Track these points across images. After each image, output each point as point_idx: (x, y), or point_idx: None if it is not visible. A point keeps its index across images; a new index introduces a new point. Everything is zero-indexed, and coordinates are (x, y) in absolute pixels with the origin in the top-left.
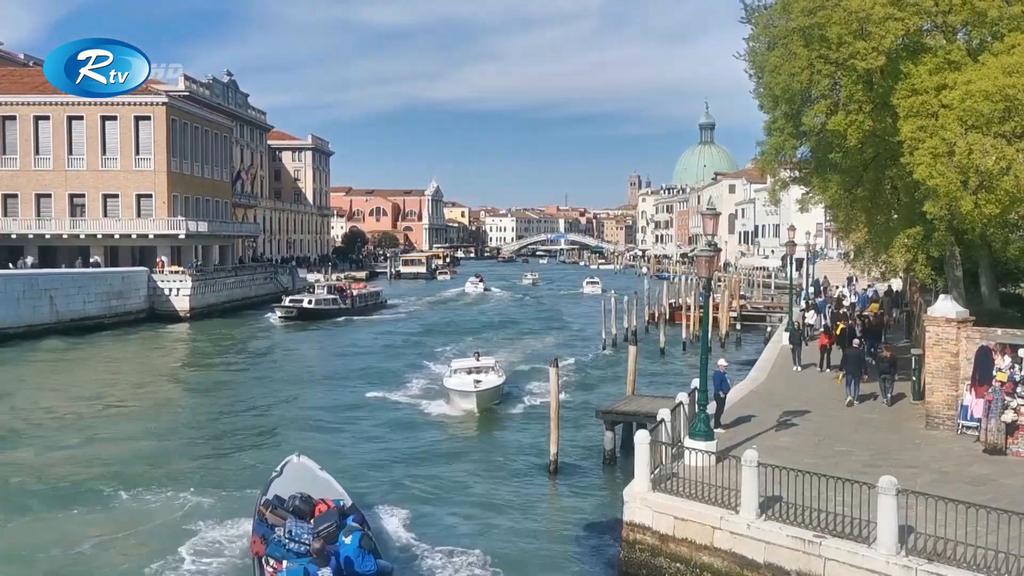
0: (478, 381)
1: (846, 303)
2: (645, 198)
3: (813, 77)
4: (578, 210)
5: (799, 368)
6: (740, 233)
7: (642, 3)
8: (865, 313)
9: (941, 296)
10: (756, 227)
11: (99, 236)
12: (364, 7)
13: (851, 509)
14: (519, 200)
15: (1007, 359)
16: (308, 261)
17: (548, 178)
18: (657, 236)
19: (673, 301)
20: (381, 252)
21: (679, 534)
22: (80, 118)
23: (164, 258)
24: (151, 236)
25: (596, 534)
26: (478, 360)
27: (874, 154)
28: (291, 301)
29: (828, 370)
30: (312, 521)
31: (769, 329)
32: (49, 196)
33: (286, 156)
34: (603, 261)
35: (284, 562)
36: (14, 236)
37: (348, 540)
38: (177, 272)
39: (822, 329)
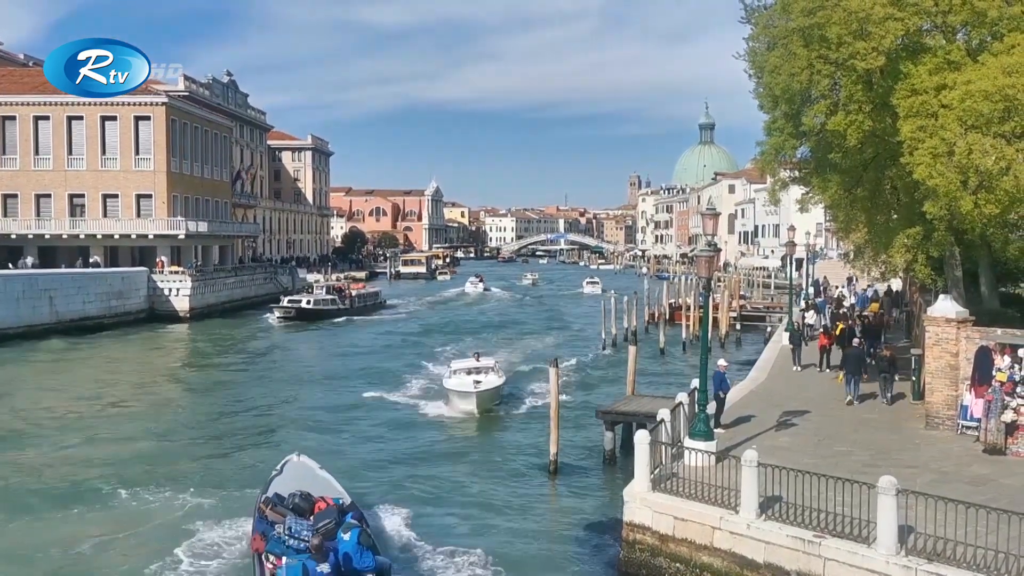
0: (478, 382)
1: (846, 303)
2: (645, 198)
3: (813, 77)
4: (578, 210)
5: (799, 368)
6: (740, 233)
7: (642, 3)
8: (865, 313)
9: (941, 296)
10: (756, 227)
11: (99, 236)
12: (364, 7)
13: (851, 509)
14: (519, 200)
15: (1007, 359)
16: (308, 261)
17: (548, 178)
18: (657, 236)
19: (673, 301)
20: (381, 252)
21: (679, 534)
22: (80, 118)
23: (164, 258)
24: (151, 236)
25: (596, 534)
26: (478, 361)
27: (874, 154)
28: (289, 301)
29: (828, 370)
30: (312, 518)
31: (769, 329)
32: (49, 196)
33: (286, 156)
34: (603, 261)
35: (284, 558)
36: (14, 236)
37: (347, 536)
38: (177, 272)
39: (821, 329)
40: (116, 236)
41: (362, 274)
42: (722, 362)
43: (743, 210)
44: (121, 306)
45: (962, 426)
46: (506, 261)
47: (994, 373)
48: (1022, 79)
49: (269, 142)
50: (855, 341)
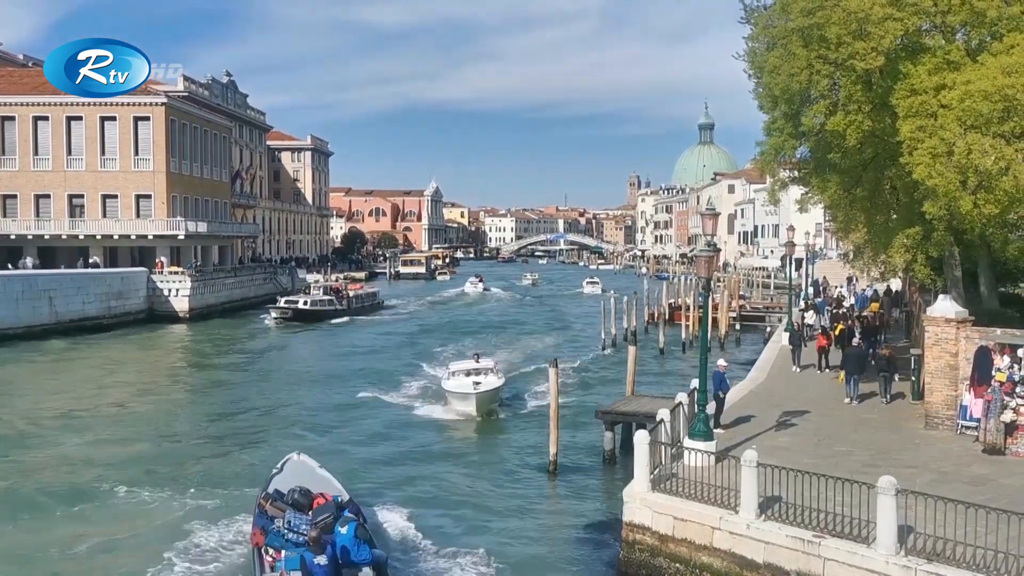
0: (477, 383)
1: (845, 303)
2: (644, 198)
3: (812, 77)
4: (577, 210)
5: (798, 368)
6: (739, 233)
7: (642, 3)
8: (864, 313)
9: (940, 296)
10: (755, 227)
11: (98, 237)
12: (364, 7)
13: (850, 509)
14: (518, 200)
15: (1006, 359)
16: (307, 262)
17: (548, 178)
18: (656, 236)
19: (672, 301)
20: (380, 252)
21: (679, 534)
22: (79, 118)
23: (163, 259)
24: (150, 237)
25: (595, 534)
26: (477, 362)
27: (873, 154)
28: (286, 302)
29: (828, 370)
30: (310, 513)
31: (768, 329)
32: (48, 197)
33: (285, 156)
34: (602, 261)
35: (283, 551)
36: (13, 237)
37: (344, 530)
38: (176, 273)
39: (820, 330)
40: (115, 236)
41: (361, 274)
42: (722, 362)
43: (742, 210)
44: (120, 306)
45: (961, 426)
46: (506, 261)
47: (993, 373)
48: (1021, 79)
49: (268, 142)
50: (854, 341)
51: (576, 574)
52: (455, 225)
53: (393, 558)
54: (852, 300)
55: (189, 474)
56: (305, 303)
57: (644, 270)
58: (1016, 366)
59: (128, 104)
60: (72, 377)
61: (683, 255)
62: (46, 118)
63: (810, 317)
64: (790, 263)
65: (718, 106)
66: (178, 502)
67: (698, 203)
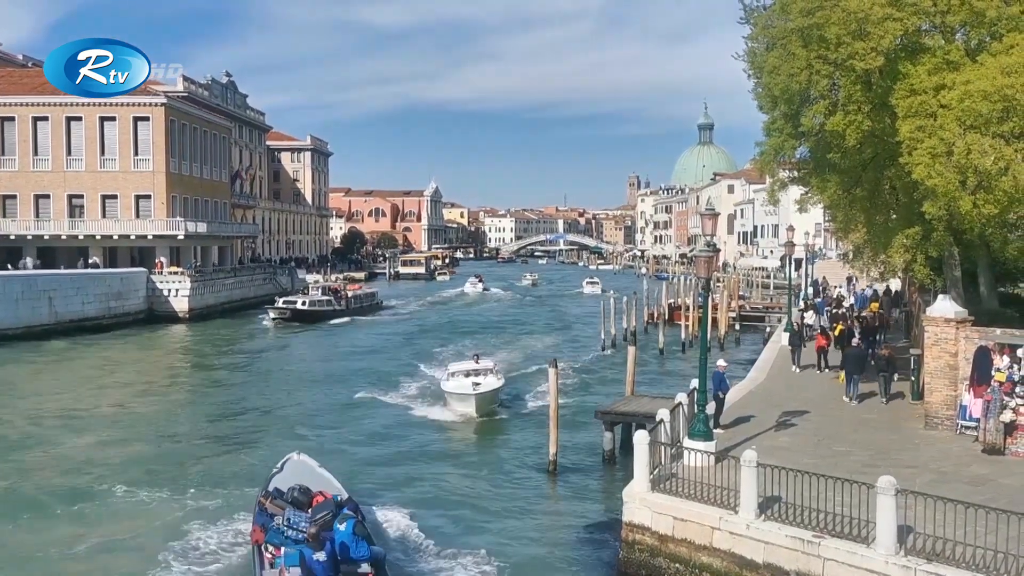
0: (477, 384)
1: (845, 304)
2: (644, 198)
3: (812, 77)
4: (577, 210)
5: (798, 369)
6: (739, 233)
7: (642, 3)
8: (863, 313)
9: (940, 296)
10: (755, 227)
11: (98, 237)
12: (364, 7)
13: (850, 509)
14: (518, 200)
15: (1006, 359)
16: (307, 262)
17: (547, 178)
18: (656, 236)
19: (672, 301)
20: (380, 253)
21: (678, 534)
22: (79, 119)
23: (163, 259)
24: (150, 237)
25: (595, 534)
26: (477, 362)
27: (873, 154)
28: (284, 302)
29: (827, 370)
30: (309, 511)
31: (768, 329)
32: (48, 197)
33: (285, 157)
34: (602, 261)
35: (282, 548)
36: (13, 237)
37: (343, 527)
38: (176, 273)
39: (819, 330)
40: (115, 237)
41: (361, 275)
42: (721, 362)
43: (742, 210)
44: (120, 307)
45: (961, 426)
46: (505, 261)
47: (993, 373)
48: (1021, 79)
49: (268, 142)
50: (854, 341)
51: (576, 574)
52: (455, 225)
53: (393, 557)
54: (852, 300)
55: (189, 474)
56: (303, 303)
57: (644, 270)
58: (1016, 366)
59: (128, 104)
60: (72, 377)
61: (683, 255)
62: (46, 118)
63: (810, 317)
64: (789, 263)
65: (718, 106)
66: (178, 502)
67: (697, 203)
